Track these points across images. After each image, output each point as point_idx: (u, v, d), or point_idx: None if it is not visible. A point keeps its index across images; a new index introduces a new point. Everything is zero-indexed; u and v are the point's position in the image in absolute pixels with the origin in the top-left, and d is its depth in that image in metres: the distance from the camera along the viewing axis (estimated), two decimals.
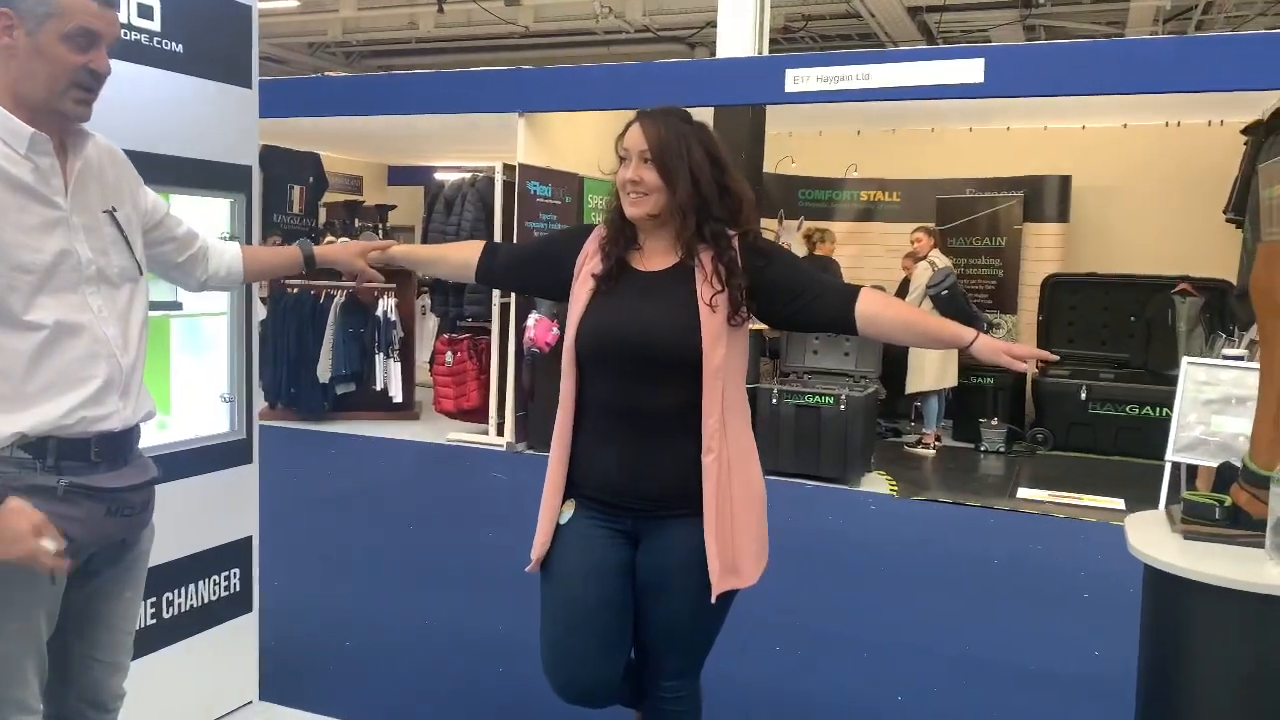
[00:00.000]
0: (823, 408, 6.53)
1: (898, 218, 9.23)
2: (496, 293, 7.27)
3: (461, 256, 2.41)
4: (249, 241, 2.98)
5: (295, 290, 8.05)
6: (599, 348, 2.08)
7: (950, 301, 7.14)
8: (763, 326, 7.39)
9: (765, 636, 3.87)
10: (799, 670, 3.62)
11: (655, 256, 2.12)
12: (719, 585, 2.04)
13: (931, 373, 7.48)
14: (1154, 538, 2.09)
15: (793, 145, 9.31)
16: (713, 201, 2.05)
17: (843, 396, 6.53)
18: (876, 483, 6.68)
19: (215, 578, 2.97)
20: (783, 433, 6.61)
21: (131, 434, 1.84)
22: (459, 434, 7.58)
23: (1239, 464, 2.14)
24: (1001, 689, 3.50)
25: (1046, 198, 8.84)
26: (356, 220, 11.67)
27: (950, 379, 7.57)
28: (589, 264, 2.15)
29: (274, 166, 11.27)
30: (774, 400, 6.64)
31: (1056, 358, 2.27)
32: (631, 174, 2.05)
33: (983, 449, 7.63)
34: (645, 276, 2.11)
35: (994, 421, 7.70)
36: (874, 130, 9.38)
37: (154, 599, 2.76)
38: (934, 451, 7.60)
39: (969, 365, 7.94)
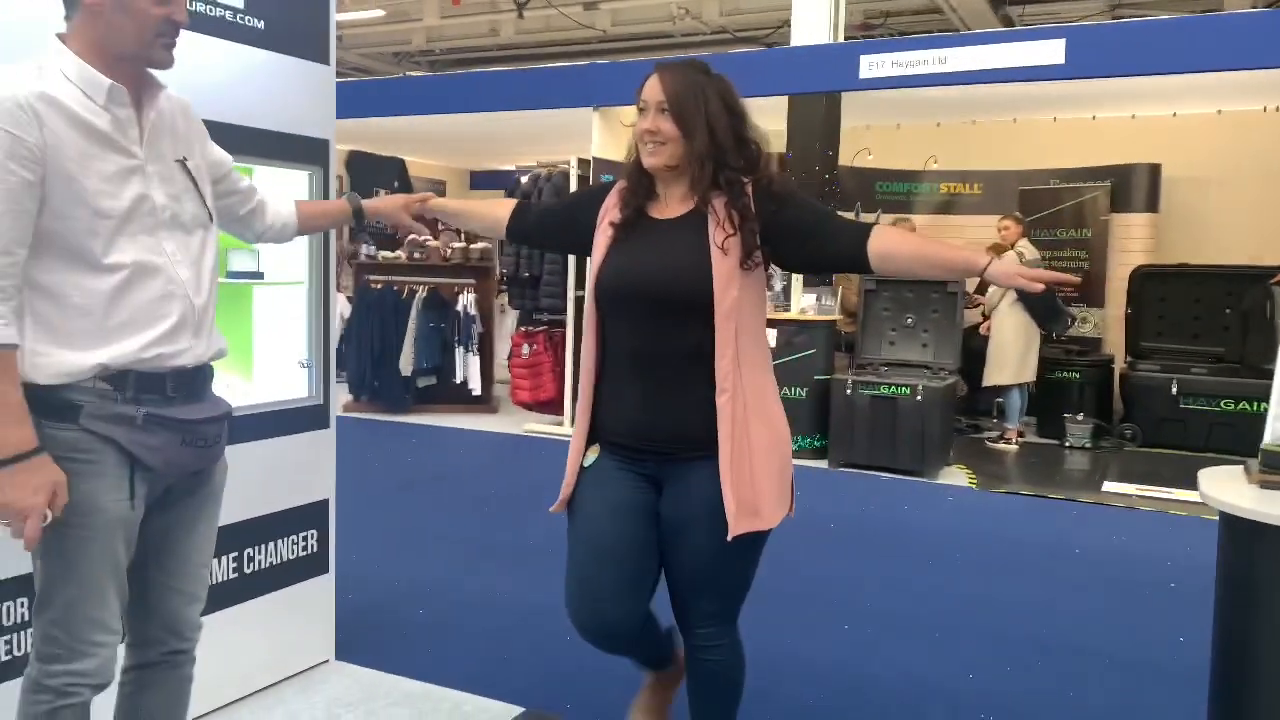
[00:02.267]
0: (899, 398, 6.44)
1: (979, 210, 9.05)
2: (571, 286, 7.36)
3: (494, 214, 2.47)
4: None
5: (379, 285, 8.28)
6: (616, 292, 2.13)
7: (1039, 296, 6.96)
8: (836, 317, 7.28)
9: (833, 616, 3.85)
10: (867, 649, 3.58)
11: (672, 205, 2.16)
12: (736, 526, 2.04)
13: (1011, 365, 7.31)
14: (1228, 487, 2.03)
15: (870, 138, 9.22)
16: (729, 150, 2.08)
17: (919, 387, 6.43)
18: (955, 476, 6.55)
19: (294, 537, 3.08)
20: (858, 424, 6.53)
21: (204, 370, 1.95)
22: (535, 425, 7.69)
23: None
24: (1080, 671, 3.41)
25: (1135, 187, 8.56)
26: (440, 223, 11.94)
27: (1030, 372, 7.39)
28: (609, 215, 2.21)
29: (360, 171, 11.64)
30: (848, 391, 6.57)
31: (1077, 280, 2.20)
32: (649, 124, 2.08)
33: (1068, 445, 7.42)
34: (661, 224, 2.15)
35: (1080, 417, 7.48)
36: (954, 121, 9.22)
37: (235, 554, 2.88)
38: (1016, 447, 7.42)
39: (1053, 359, 7.75)
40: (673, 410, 2.10)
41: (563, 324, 7.60)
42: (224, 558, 2.84)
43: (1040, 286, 1.93)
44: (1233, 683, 2.02)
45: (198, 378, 1.92)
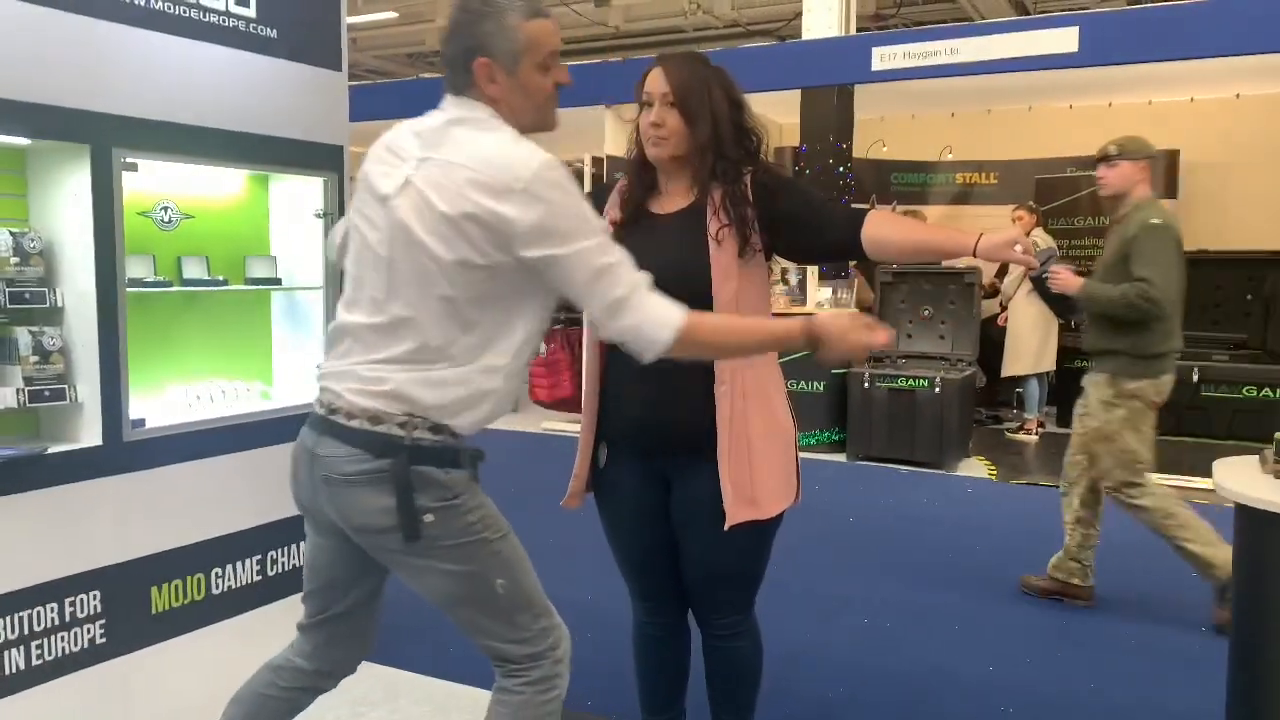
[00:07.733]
0: (917, 390, 6.43)
1: (995, 199, 9.03)
2: None
3: None
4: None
5: None
6: None
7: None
8: (852, 310, 7.27)
9: (851, 608, 3.86)
10: (886, 642, 3.59)
11: (673, 198, 2.18)
12: (733, 516, 2.07)
13: (1029, 355, 7.29)
14: (1243, 477, 2.03)
15: (884, 129, 9.20)
16: (728, 141, 2.09)
17: (937, 379, 6.42)
18: (974, 468, 6.54)
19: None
20: (875, 416, 6.53)
21: None
22: (553, 423, 7.73)
23: None
24: (1103, 660, 3.41)
25: (1153, 173, 8.48)
26: None
27: (1049, 361, 7.35)
28: (610, 213, 2.22)
29: None
30: (865, 383, 6.57)
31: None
32: (655, 117, 2.09)
33: None
34: (661, 219, 2.17)
35: None
36: (969, 111, 9.20)
37: (259, 557, 2.92)
38: (1036, 437, 7.40)
39: (1073, 348, 7.70)
40: (673, 409, 2.12)
41: (579, 322, 7.62)
42: (248, 560, 2.89)
43: (1033, 261, 1.95)
44: (1250, 669, 2.02)
45: None
